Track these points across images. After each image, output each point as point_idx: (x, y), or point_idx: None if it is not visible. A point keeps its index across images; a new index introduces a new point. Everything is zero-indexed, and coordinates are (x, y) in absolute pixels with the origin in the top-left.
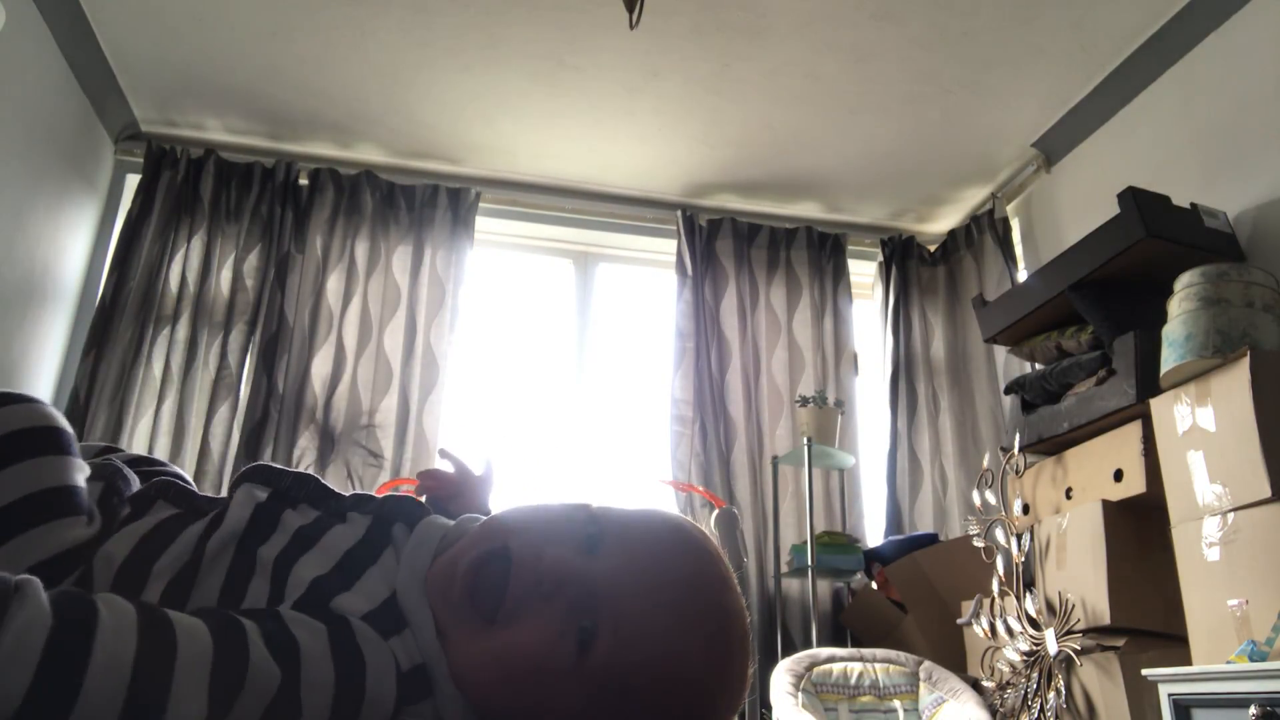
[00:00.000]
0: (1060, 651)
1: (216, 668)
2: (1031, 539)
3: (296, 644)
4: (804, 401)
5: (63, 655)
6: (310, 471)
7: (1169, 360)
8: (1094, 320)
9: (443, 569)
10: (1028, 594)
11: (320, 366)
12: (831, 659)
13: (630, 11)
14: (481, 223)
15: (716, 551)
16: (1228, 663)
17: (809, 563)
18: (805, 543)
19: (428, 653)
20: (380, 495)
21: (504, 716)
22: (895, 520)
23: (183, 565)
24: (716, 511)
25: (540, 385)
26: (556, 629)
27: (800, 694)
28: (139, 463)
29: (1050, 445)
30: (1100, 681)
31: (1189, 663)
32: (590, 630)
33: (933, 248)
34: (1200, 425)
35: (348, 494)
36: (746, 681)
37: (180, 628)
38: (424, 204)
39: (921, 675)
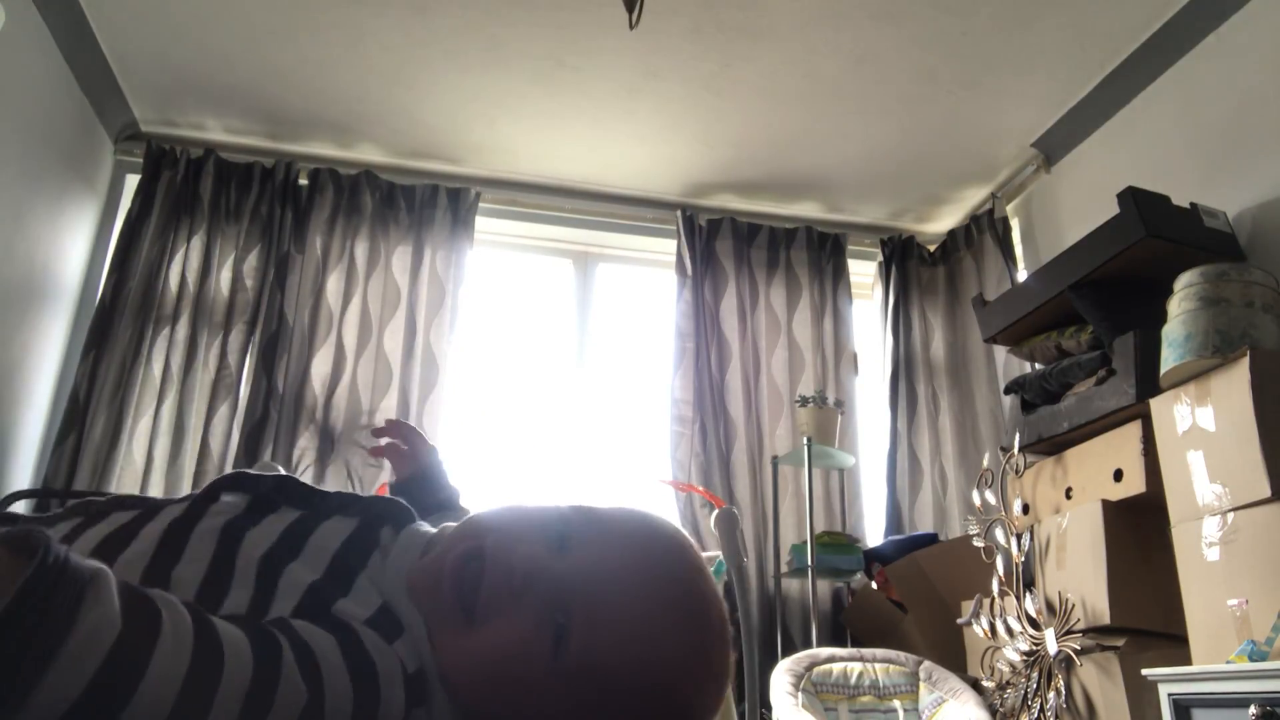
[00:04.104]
0: (1060, 651)
1: (253, 689)
2: (1031, 539)
3: (318, 661)
4: (804, 401)
5: (123, 664)
6: (303, 472)
7: (1169, 360)
8: (1094, 320)
9: (425, 570)
10: (1028, 594)
11: (320, 366)
12: (831, 659)
13: (630, 12)
14: (481, 223)
15: (690, 544)
16: (1228, 663)
17: (809, 563)
18: (805, 543)
19: (423, 655)
20: (366, 496)
21: (491, 717)
22: (895, 520)
23: (151, 558)
24: (716, 511)
25: (540, 385)
26: (531, 626)
27: (800, 694)
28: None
29: (1050, 445)
30: (1100, 681)
31: (1189, 663)
32: (564, 626)
33: (933, 248)
34: (1200, 425)
35: (332, 491)
36: (728, 668)
37: (228, 646)
38: (424, 204)
39: (921, 675)
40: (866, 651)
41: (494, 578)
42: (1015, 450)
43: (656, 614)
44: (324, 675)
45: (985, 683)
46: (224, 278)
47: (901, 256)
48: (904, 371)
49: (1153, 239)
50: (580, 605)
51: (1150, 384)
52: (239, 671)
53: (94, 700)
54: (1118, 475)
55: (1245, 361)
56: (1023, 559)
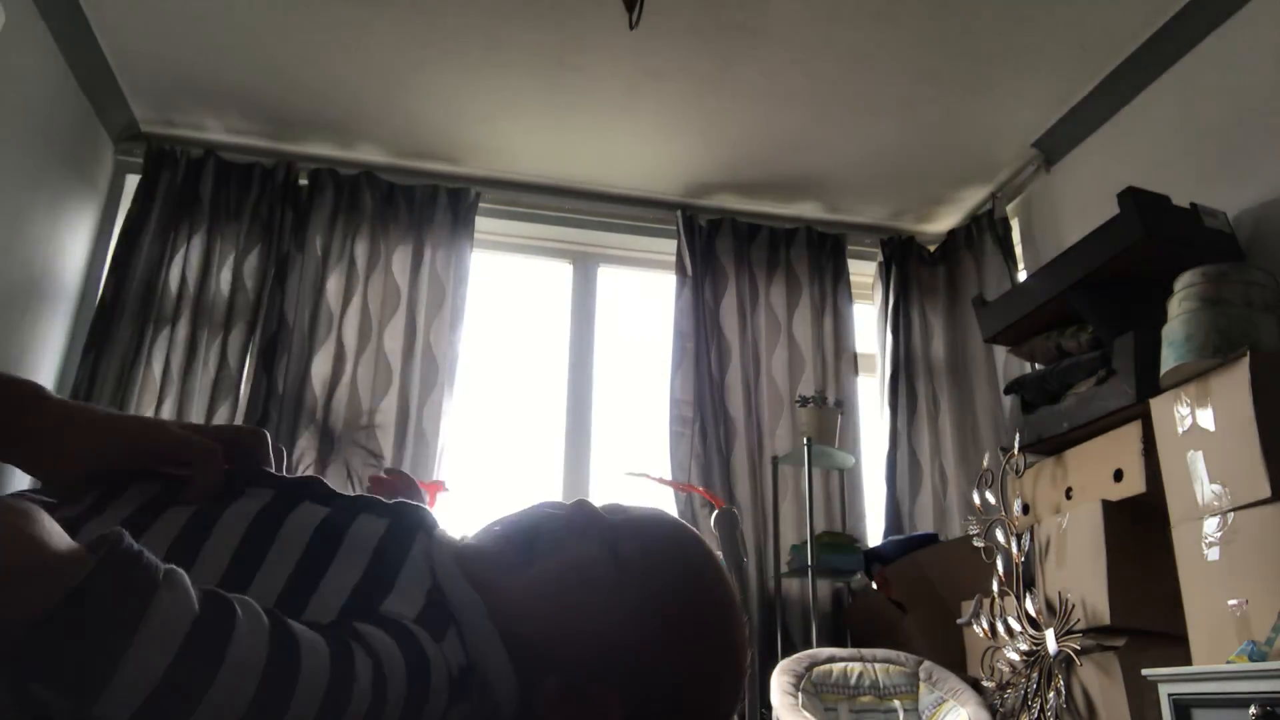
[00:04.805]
0: (1060, 651)
1: (329, 692)
2: (1031, 539)
3: (384, 665)
4: (804, 401)
5: (202, 646)
6: (311, 472)
7: (1169, 360)
8: (1094, 320)
9: (480, 541)
10: (1028, 594)
11: (320, 366)
12: (831, 659)
13: (630, 11)
14: (481, 223)
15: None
16: (1228, 663)
17: (809, 563)
18: (805, 543)
19: (476, 639)
20: (389, 500)
21: (556, 647)
22: (895, 520)
23: (179, 534)
24: (716, 511)
25: (540, 386)
26: (593, 551)
27: (800, 694)
28: None
29: (1050, 445)
30: (1100, 681)
31: (1189, 663)
32: (621, 551)
33: (933, 248)
34: (1200, 425)
35: (352, 494)
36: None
37: (304, 642)
38: (424, 204)
39: (921, 675)
40: (866, 651)
41: (554, 523)
42: (1015, 450)
43: (696, 548)
44: (388, 679)
45: (985, 683)
46: (224, 278)
47: (901, 256)
48: (904, 371)
49: (1152, 239)
50: (632, 538)
51: (1150, 384)
52: (317, 668)
53: (175, 685)
54: (1118, 475)
55: (1245, 362)
56: (1023, 559)
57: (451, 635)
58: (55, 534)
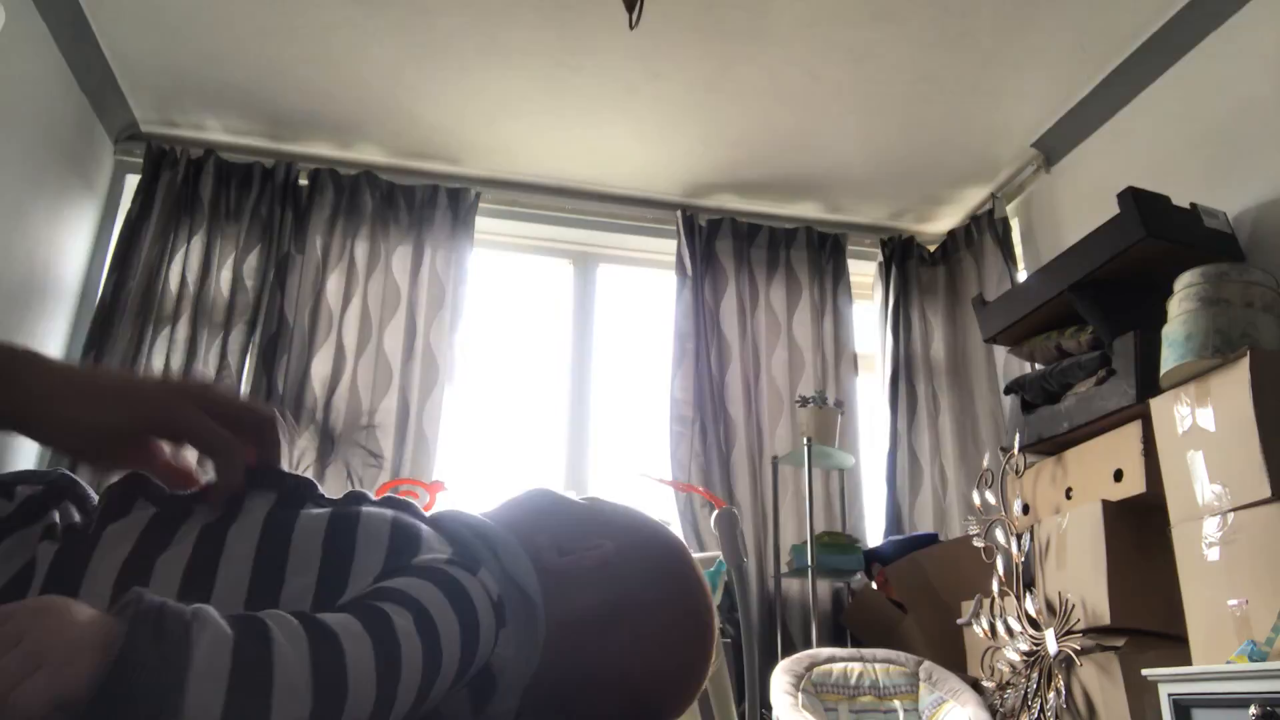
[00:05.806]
0: (1060, 651)
1: (379, 660)
2: (1031, 539)
3: (429, 613)
4: (804, 401)
5: (251, 664)
6: (309, 474)
7: (1169, 360)
8: (1094, 320)
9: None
10: (1028, 594)
11: (320, 367)
12: (831, 659)
13: (630, 11)
14: (481, 223)
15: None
16: (1228, 663)
17: (809, 563)
18: (805, 543)
19: (509, 574)
20: (380, 495)
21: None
22: (895, 520)
23: (190, 558)
24: (716, 511)
25: (540, 386)
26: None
27: (800, 694)
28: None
29: (1050, 445)
30: (1100, 681)
31: (1189, 663)
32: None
33: (933, 248)
34: (1200, 425)
35: (345, 494)
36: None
37: (340, 630)
38: (424, 204)
39: (921, 675)
40: (866, 651)
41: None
42: (1015, 450)
43: (667, 539)
44: (434, 617)
45: (985, 683)
46: (224, 278)
47: (901, 257)
48: (904, 371)
49: (1153, 239)
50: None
51: (1150, 384)
52: (359, 647)
53: (238, 706)
54: (1118, 475)
55: (1245, 362)
56: (1023, 559)
57: (484, 570)
58: (80, 614)
